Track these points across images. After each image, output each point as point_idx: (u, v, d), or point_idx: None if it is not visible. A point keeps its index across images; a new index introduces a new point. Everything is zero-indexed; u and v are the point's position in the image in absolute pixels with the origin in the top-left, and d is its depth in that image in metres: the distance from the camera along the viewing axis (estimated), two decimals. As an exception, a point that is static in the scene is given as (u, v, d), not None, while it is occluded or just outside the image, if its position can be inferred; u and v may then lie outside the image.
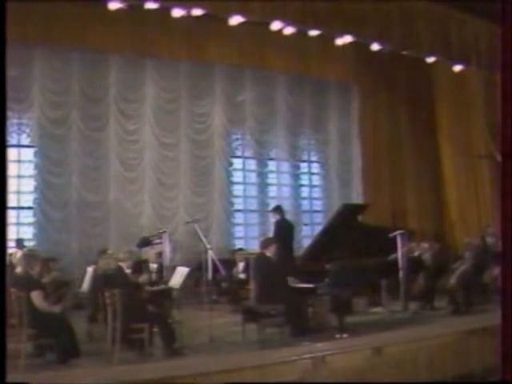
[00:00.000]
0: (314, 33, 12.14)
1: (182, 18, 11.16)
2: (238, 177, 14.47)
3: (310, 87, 15.16)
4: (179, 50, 13.05)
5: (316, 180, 15.60)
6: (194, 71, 13.59)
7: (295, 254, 10.63)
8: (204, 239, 8.42)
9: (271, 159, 14.86)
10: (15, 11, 7.55)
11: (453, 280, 9.80)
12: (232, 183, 14.34)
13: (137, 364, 6.59)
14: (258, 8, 11.07)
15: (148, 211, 12.96)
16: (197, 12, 10.95)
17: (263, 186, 14.72)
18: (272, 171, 14.87)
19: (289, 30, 11.98)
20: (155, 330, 6.97)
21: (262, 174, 14.72)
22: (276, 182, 14.89)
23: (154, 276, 8.96)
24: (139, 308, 7.07)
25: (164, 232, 9.07)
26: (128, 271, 7.34)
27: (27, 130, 12.16)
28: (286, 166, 14.96)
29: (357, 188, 15.50)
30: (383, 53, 13.37)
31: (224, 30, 12.04)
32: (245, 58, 13.76)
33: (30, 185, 12.11)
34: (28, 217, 12.06)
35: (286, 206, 13.38)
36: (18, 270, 7.08)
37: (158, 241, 9.46)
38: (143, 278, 8.21)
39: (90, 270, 8.78)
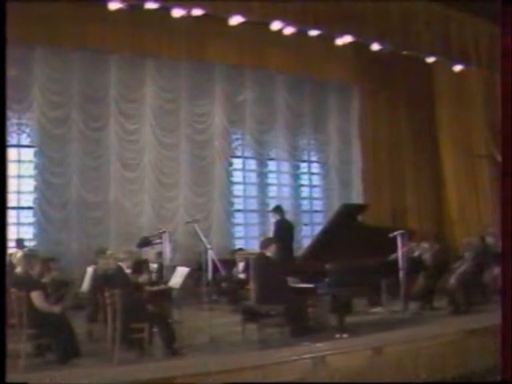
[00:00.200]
0: (314, 33, 12.12)
1: (182, 18, 11.15)
2: (237, 177, 14.46)
3: (310, 87, 15.16)
4: (179, 50, 13.03)
5: (316, 180, 15.59)
6: (193, 71, 13.59)
7: (295, 254, 10.65)
8: (204, 239, 8.43)
9: (271, 159, 14.86)
10: (15, 11, 7.55)
11: (453, 280, 9.81)
12: (232, 183, 14.33)
13: (137, 364, 6.59)
14: (257, 8, 11.05)
15: (148, 211, 12.95)
16: (197, 12, 10.94)
17: (263, 186, 14.71)
18: (272, 171, 14.86)
19: (289, 30, 11.96)
20: (155, 330, 6.98)
21: (262, 174, 14.72)
22: (276, 182, 14.88)
23: (153, 276, 8.97)
24: (139, 308, 7.07)
25: (164, 232, 9.08)
26: (128, 271, 7.34)
27: (27, 130, 12.15)
28: (286, 166, 14.95)
29: (357, 188, 15.49)
30: (383, 53, 13.36)
31: (224, 30, 12.03)
32: (245, 58, 13.76)
33: (29, 185, 12.10)
34: (28, 217, 12.05)
35: (286, 206, 13.40)
36: (18, 269, 7.09)
37: (157, 241, 9.47)
38: (143, 278, 8.23)
39: (89, 269, 8.77)
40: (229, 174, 14.24)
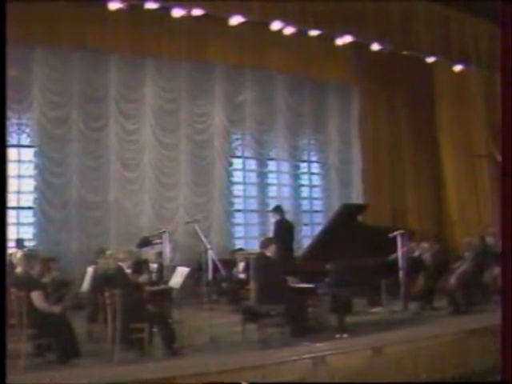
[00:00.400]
0: (314, 33, 12.13)
1: (182, 18, 11.16)
2: (237, 177, 14.47)
3: (310, 87, 15.16)
4: (179, 50, 13.03)
5: (316, 180, 15.60)
6: (193, 71, 13.59)
7: (295, 254, 10.65)
8: (204, 239, 8.43)
9: (271, 159, 14.86)
10: (15, 11, 7.55)
11: (453, 280, 9.80)
12: (232, 183, 14.33)
13: (137, 364, 6.59)
14: (257, 8, 11.06)
15: (148, 211, 12.95)
16: (197, 12, 10.95)
17: (263, 186, 14.71)
18: (272, 171, 14.87)
19: (289, 30, 11.96)
20: (155, 330, 6.98)
21: (262, 174, 14.72)
22: (276, 182, 14.89)
23: (154, 276, 8.97)
24: (139, 308, 7.06)
25: (164, 232, 9.08)
26: (128, 271, 7.33)
27: (27, 130, 12.16)
28: (286, 166, 14.96)
29: (357, 188, 15.49)
30: (383, 53, 13.36)
31: (224, 30, 12.04)
32: (245, 58, 13.76)
33: (30, 185, 12.10)
34: (28, 217, 12.05)
35: (286, 206, 13.40)
36: (18, 270, 7.10)
37: (157, 241, 9.47)
38: (143, 278, 8.22)
39: (89, 269, 8.78)
40: (229, 174, 14.24)
